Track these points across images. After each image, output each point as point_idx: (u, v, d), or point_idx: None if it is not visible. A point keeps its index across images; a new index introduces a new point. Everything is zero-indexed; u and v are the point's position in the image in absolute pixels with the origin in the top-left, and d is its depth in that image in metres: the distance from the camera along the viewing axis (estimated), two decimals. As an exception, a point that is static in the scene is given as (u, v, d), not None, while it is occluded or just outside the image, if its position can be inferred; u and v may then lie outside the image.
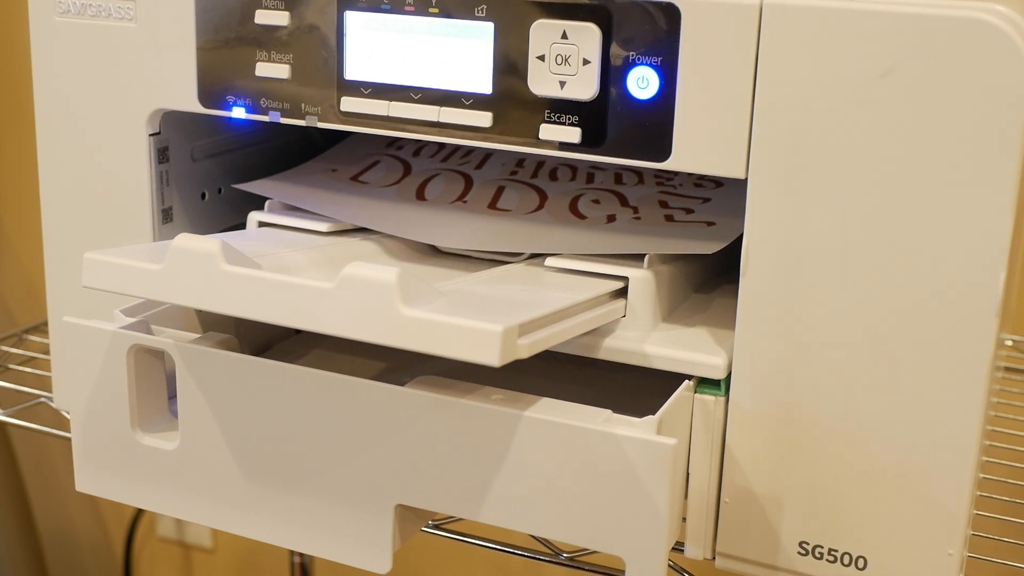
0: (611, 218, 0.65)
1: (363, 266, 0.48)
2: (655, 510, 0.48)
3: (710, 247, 0.60)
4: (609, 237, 0.62)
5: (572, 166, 0.72)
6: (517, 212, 0.66)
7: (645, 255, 0.59)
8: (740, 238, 0.54)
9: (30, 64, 0.67)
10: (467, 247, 0.63)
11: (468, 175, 0.71)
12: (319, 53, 0.60)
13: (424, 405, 0.51)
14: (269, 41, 0.61)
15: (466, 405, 0.50)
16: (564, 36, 0.55)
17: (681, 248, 0.60)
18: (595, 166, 0.72)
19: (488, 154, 0.74)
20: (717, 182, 0.69)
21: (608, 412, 0.50)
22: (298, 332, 0.68)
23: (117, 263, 0.53)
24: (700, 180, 0.70)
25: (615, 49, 0.54)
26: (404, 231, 0.64)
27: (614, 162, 0.55)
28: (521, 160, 0.73)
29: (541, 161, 0.73)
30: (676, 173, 0.71)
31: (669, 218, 0.65)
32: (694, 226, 0.63)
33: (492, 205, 0.67)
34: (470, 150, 0.75)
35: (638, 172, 0.72)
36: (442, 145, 0.76)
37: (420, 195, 0.69)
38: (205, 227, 0.70)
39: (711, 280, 0.65)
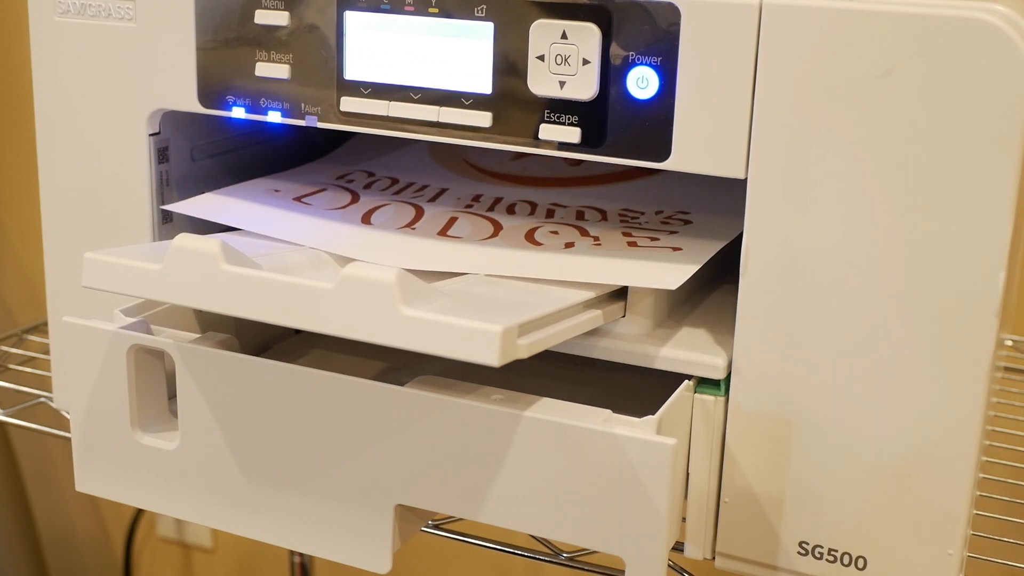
0: (569, 245, 0.62)
1: (363, 266, 0.48)
2: (655, 510, 0.48)
3: (673, 280, 0.56)
4: (567, 262, 0.59)
5: (532, 203, 0.70)
6: (468, 239, 0.64)
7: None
8: (739, 240, 0.54)
9: (30, 64, 0.67)
10: (408, 267, 0.58)
11: (419, 206, 0.69)
12: (319, 53, 0.60)
13: (424, 405, 0.51)
14: (269, 41, 0.61)
15: (466, 405, 0.50)
16: (564, 36, 0.54)
17: (641, 280, 0.56)
18: (556, 203, 0.70)
19: (443, 190, 0.72)
20: (686, 220, 0.66)
21: (608, 412, 0.50)
22: (298, 332, 0.68)
23: (117, 263, 0.53)
24: (668, 219, 0.66)
25: (615, 49, 0.54)
26: (342, 249, 0.61)
27: (614, 162, 0.55)
28: (478, 196, 0.71)
29: (499, 197, 0.71)
30: (642, 212, 0.68)
31: (632, 244, 0.62)
32: (659, 251, 0.61)
33: (443, 232, 0.64)
34: (424, 186, 0.73)
35: (602, 211, 0.68)
36: (395, 180, 0.74)
37: (366, 220, 0.66)
38: (205, 227, 0.70)
39: (711, 280, 0.65)
